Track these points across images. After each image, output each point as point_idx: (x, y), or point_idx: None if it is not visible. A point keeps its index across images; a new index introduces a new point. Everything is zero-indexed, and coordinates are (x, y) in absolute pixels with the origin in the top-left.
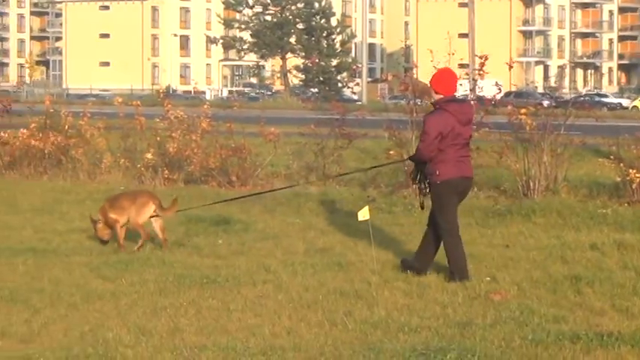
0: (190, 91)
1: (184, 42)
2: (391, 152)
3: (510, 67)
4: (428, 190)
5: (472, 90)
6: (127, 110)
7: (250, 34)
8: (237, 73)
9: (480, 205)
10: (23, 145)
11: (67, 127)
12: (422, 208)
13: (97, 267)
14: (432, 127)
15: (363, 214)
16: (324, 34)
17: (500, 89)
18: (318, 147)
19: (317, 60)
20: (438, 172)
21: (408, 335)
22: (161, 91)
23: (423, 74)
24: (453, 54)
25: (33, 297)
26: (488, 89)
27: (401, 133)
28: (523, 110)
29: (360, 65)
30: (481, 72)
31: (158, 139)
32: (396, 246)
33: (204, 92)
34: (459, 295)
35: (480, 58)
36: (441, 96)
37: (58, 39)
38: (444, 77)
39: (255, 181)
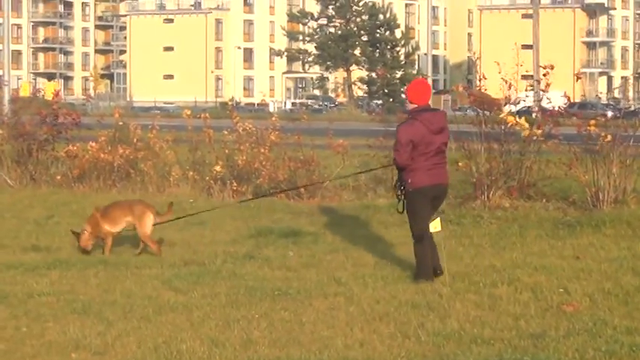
0: (254, 104)
1: (248, 54)
2: (460, 164)
3: (578, 78)
4: (403, 197)
5: (538, 101)
6: (194, 123)
7: (315, 47)
8: (300, 86)
9: (550, 216)
10: (92, 158)
11: (135, 140)
12: (399, 212)
13: (169, 279)
14: (403, 136)
15: (435, 226)
16: (389, 47)
17: (568, 100)
18: (386, 159)
19: (384, 72)
20: (410, 180)
21: (481, 347)
22: (230, 103)
23: (489, 86)
24: (521, 65)
25: (106, 309)
26: (555, 100)
27: (469, 144)
28: (592, 122)
29: (423, 75)
30: (546, 83)
31: (226, 151)
32: (465, 258)
33: (267, 105)
34: (531, 307)
35: (545, 68)
36: (415, 106)
37: (123, 52)
38: (418, 88)
39: (324, 192)
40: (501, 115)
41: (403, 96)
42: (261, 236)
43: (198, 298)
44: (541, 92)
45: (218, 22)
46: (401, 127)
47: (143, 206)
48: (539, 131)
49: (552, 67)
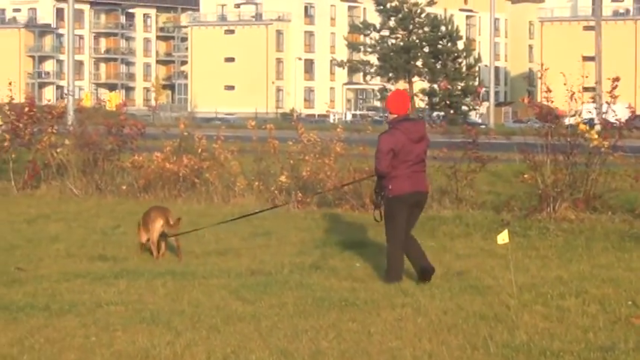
0: (314, 115)
1: (309, 66)
2: (525, 176)
3: None
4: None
5: (603, 113)
6: (257, 133)
7: (377, 58)
8: (360, 97)
9: (616, 228)
10: (158, 169)
11: (200, 150)
12: (377, 220)
13: (236, 289)
14: (384, 145)
15: (503, 238)
16: (451, 58)
17: (632, 113)
18: (451, 170)
19: (447, 84)
20: (390, 187)
21: None
22: (295, 114)
23: (552, 98)
24: (587, 77)
25: (174, 319)
26: (619, 112)
27: (535, 156)
28: None
29: (485, 87)
30: (613, 95)
31: (291, 162)
32: (532, 269)
33: (327, 116)
34: (599, 320)
35: (610, 80)
36: (395, 116)
37: (184, 63)
38: (397, 98)
39: None
40: (572, 122)
41: (465, 107)
42: (327, 247)
43: (266, 308)
44: (606, 104)
45: (279, 33)
46: (382, 137)
47: (156, 212)
48: (607, 142)
49: (618, 79)
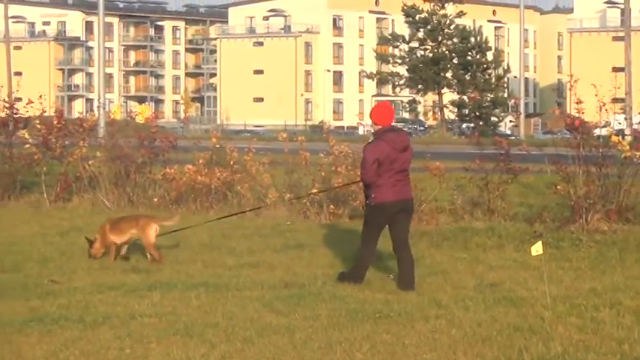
0: (343, 127)
1: (337, 78)
2: (558, 187)
3: None
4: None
5: (635, 124)
6: (288, 145)
7: (406, 69)
8: None
9: None
10: (190, 181)
11: (232, 162)
12: None
13: (270, 301)
14: (369, 155)
15: (537, 249)
16: (480, 69)
17: None
18: (483, 182)
19: (477, 95)
20: (374, 195)
21: None
22: (326, 126)
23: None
24: (619, 88)
25: (208, 331)
26: None
27: (567, 167)
28: None
29: (517, 99)
30: None
31: (323, 174)
32: (565, 281)
33: (357, 127)
34: (634, 331)
35: None
36: (380, 127)
37: (213, 75)
38: (382, 110)
39: (420, 216)
40: (603, 133)
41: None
42: None
43: (300, 320)
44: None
45: (308, 45)
46: (368, 147)
47: (147, 219)
48: (639, 153)
49: None
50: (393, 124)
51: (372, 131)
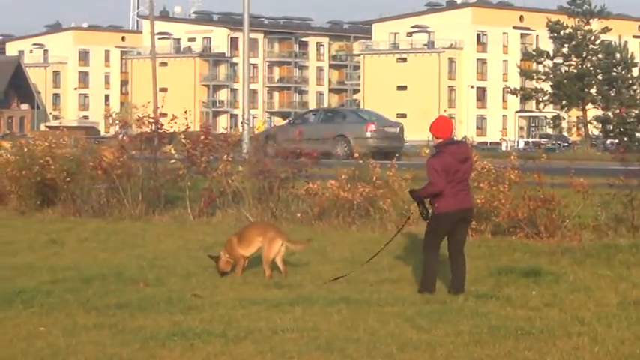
0: (486, 143)
1: (481, 93)
2: None
3: None
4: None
5: None
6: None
7: (550, 85)
8: (533, 125)
9: None
10: (332, 196)
11: (375, 178)
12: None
13: (411, 317)
14: (436, 166)
15: None
16: (625, 85)
17: None
18: (627, 198)
19: (623, 111)
20: (437, 205)
21: None
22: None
23: None
24: None
25: (349, 346)
26: None
27: None
28: None
29: None
30: None
31: None
32: None
33: (500, 144)
34: None
35: None
36: (441, 140)
37: (356, 91)
38: (442, 124)
39: (563, 232)
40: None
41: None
42: (502, 275)
43: (442, 336)
44: None
45: (451, 61)
46: (432, 160)
47: (275, 232)
48: None
49: None
50: (452, 136)
51: (434, 145)
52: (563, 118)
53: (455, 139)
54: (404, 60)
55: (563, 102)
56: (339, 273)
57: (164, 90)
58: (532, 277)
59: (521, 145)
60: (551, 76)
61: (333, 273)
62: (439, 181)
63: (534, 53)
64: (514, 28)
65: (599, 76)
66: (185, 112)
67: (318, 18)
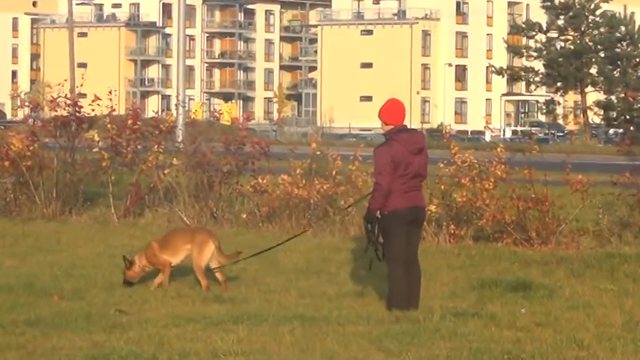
0: (467, 131)
1: (460, 73)
2: None
3: None
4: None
5: None
6: None
7: (543, 64)
8: (522, 110)
9: None
10: (284, 194)
11: (335, 172)
12: (379, 259)
13: (378, 338)
14: (383, 157)
15: None
16: (631, 64)
17: None
18: (634, 199)
19: (629, 95)
20: (384, 204)
21: None
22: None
23: None
24: None
25: None
26: None
27: None
28: None
29: None
30: None
31: (442, 187)
32: None
33: (483, 132)
34: None
35: None
36: (391, 127)
37: (312, 69)
38: (392, 108)
39: (559, 238)
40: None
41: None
42: (485, 289)
43: None
44: None
45: (425, 34)
46: (379, 150)
47: (205, 234)
48: None
49: None
50: (405, 123)
51: (383, 132)
52: (558, 103)
53: (407, 126)
54: (369, 32)
55: (558, 84)
56: (291, 286)
57: (83, 66)
58: (521, 292)
59: (509, 134)
60: (544, 53)
61: (285, 286)
62: (386, 174)
63: (524, 26)
64: None
65: (601, 54)
66: (109, 92)
67: None
